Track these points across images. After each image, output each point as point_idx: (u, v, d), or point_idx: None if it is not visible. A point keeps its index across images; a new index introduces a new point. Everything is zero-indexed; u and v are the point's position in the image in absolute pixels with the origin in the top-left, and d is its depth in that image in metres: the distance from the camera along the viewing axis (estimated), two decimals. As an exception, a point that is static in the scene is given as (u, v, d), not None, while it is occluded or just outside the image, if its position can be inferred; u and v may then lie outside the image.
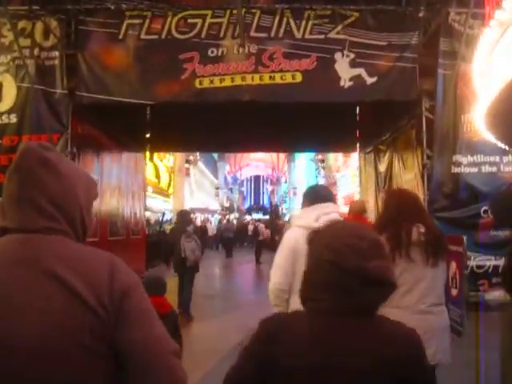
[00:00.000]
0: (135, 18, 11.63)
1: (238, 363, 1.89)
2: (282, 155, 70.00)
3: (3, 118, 11.37)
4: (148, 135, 16.90)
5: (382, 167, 15.31)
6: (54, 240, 1.63)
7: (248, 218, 61.54)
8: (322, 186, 6.49)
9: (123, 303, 1.58)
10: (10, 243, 1.61)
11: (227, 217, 51.99)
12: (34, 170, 1.64)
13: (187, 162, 38.91)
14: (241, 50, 11.51)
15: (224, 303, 13.88)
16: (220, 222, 42.80)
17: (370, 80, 11.41)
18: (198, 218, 42.45)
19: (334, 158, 39.67)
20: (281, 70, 11.46)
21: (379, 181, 15.63)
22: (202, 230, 30.58)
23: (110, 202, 14.27)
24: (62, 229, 1.67)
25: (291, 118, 13.37)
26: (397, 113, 12.70)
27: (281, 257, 4.13)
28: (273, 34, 11.61)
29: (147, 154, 19.23)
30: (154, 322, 1.64)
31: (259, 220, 44.55)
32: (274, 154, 74.93)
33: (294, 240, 4.02)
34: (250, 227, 36.28)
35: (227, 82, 11.46)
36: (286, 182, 75.76)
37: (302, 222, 4.21)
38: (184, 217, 12.33)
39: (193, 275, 11.22)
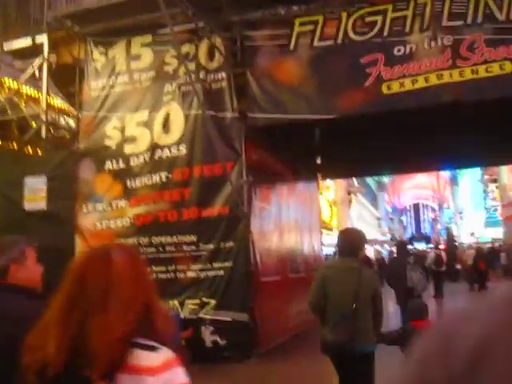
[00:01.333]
0: (306, 25, 10.12)
1: None
2: (444, 179, 66.11)
3: (172, 150, 10.28)
4: (319, 160, 15.34)
5: None
6: None
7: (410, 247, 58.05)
8: None
9: None
10: None
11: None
12: None
13: (349, 193, 37.20)
14: (433, 43, 9.51)
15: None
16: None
17: None
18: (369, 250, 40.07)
19: (509, 176, 36.02)
20: (485, 61, 9.30)
21: None
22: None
23: (289, 237, 12.75)
24: None
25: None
26: None
27: None
28: (469, 20, 9.48)
29: (319, 181, 17.57)
30: None
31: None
32: (434, 179, 71.07)
33: None
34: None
35: (421, 83, 9.48)
36: (448, 207, 71.32)
37: None
38: (403, 247, 12.34)
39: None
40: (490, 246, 29.16)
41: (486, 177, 46.27)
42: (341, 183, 35.85)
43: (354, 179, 40.47)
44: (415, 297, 9.86)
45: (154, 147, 10.41)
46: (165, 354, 1.66)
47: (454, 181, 60.46)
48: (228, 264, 9.82)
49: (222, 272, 9.82)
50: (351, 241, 5.24)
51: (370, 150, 13.74)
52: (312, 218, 15.55)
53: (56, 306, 1.72)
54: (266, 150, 11.43)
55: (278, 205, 12.14)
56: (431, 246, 55.14)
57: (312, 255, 14.93)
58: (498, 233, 42.13)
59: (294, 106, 9.94)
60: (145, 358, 1.62)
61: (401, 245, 12.86)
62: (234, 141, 10.08)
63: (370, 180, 60.25)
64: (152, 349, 1.66)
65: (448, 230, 29.34)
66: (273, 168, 12.12)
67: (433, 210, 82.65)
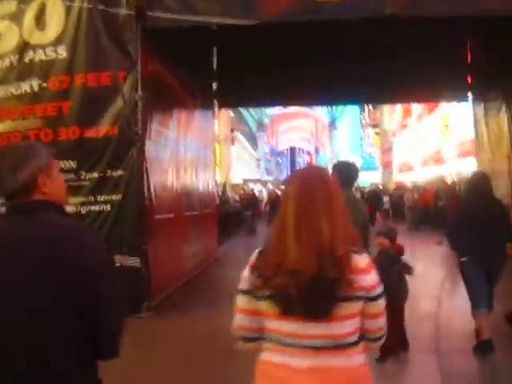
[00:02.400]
0: None
1: None
2: (322, 123, 66.29)
3: (48, 51, 7.97)
4: (215, 86, 13.48)
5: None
6: None
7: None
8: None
9: None
10: None
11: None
12: None
13: (232, 130, 35.55)
14: None
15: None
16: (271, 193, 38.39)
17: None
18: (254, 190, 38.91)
19: (389, 122, 36.09)
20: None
21: None
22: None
23: (185, 170, 10.92)
24: None
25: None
26: None
27: None
28: None
29: (215, 110, 15.56)
30: None
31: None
32: (312, 122, 71.28)
33: None
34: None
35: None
36: (324, 152, 72.02)
37: None
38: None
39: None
40: (370, 188, 28.98)
41: (364, 122, 46.56)
42: (225, 119, 34.08)
43: (235, 117, 38.97)
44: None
45: (23, 47, 8.04)
46: (367, 257, 2.00)
47: (332, 125, 60.70)
48: (116, 197, 7.87)
49: (108, 207, 7.86)
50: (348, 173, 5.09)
51: (271, 77, 12.34)
52: (207, 152, 13.77)
53: (288, 218, 1.94)
54: (164, 62, 9.39)
55: (176, 131, 10.23)
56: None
57: (207, 193, 13.23)
58: (373, 177, 42.71)
59: (206, 7, 7.96)
60: (358, 260, 1.94)
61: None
62: (127, 44, 7.96)
63: (249, 119, 59.05)
64: (359, 252, 1.97)
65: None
66: (171, 87, 10.13)
67: (309, 153, 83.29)
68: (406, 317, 5.68)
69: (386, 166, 36.19)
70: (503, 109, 11.90)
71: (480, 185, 6.07)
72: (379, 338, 2.09)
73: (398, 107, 36.05)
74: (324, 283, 1.84)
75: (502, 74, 11.08)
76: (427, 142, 29.94)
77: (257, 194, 33.37)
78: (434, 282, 10.36)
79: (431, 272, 11.63)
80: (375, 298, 1.97)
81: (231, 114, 35.13)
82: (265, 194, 35.89)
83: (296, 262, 1.86)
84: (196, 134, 12.03)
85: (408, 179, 33.00)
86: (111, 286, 1.87)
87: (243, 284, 2.04)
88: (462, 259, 5.92)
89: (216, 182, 16.05)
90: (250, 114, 57.30)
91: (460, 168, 24.36)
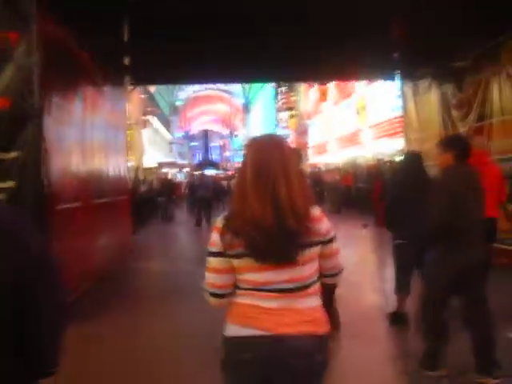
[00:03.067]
0: None
1: None
2: (236, 107, 65.60)
3: None
4: (127, 61, 12.08)
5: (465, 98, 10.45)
6: None
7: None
8: None
9: None
10: None
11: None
12: None
13: (145, 113, 33.90)
14: None
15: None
16: (190, 177, 36.42)
17: None
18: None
19: (305, 104, 35.60)
20: None
21: (453, 119, 10.83)
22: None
23: (93, 152, 9.54)
24: None
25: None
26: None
27: None
28: None
29: (127, 89, 14.10)
30: None
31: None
32: (226, 106, 70.26)
33: None
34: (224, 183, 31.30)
35: None
36: (237, 135, 71.45)
37: None
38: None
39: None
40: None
41: (278, 105, 45.92)
42: (137, 101, 32.43)
43: (147, 99, 37.31)
44: None
45: None
46: (319, 209, 2.25)
47: (246, 108, 60.01)
48: (9, 184, 6.48)
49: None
50: None
51: (189, 52, 11.18)
52: (119, 134, 12.41)
53: (247, 177, 2.13)
54: (67, 27, 7.97)
55: (82, 108, 8.86)
56: (220, 171, 54.40)
57: (118, 178, 11.89)
58: None
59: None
60: (313, 211, 2.18)
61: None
62: (20, 2, 6.59)
63: (162, 103, 57.31)
64: (312, 206, 2.21)
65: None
66: (76, 57, 8.69)
67: (222, 137, 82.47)
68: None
69: (302, 147, 35.74)
70: (434, 87, 11.33)
71: (416, 164, 5.95)
72: (335, 275, 2.42)
73: (313, 91, 35.67)
74: (287, 233, 2.05)
75: (431, 51, 10.46)
76: (343, 124, 29.62)
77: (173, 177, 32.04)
78: (367, 265, 9.70)
79: (361, 255, 11.00)
80: (330, 241, 2.26)
81: (142, 96, 33.54)
82: (181, 178, 34.65)
83: (258, 215, 2.05)
84: (106, 112, 10.68)
85: (324, 161, 32.73)
86: (48, 288, 1.72)
87: (214, 247, 2.18)
88: (396, 241, 5.85)
89: (128, 166, 14.69)
90: (162, 96, 55.65)
91: (378, 149, 24.11)
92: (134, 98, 32.38)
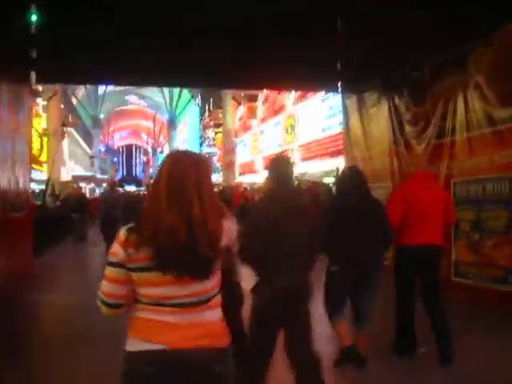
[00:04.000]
0: None
1: None
2: (160, 122, 63.56)
3: None
4: (35, 54, 9.99)
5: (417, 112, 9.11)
6: None
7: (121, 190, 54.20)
8: None
9: None
10: None
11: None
12: None
13: (63, 124, 31.53)
14: None
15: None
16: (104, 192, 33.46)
17: None
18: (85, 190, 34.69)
19: (233, 121, 34.22)
20: None
21: (406, 136, 9.44)
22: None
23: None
24: None
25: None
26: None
27: None
28: None
29: (33, 87, 11.93)
30: None
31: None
32: (150, 122, 68.09)
33: None
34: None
35: None
36: (162, 151, 69.28)
37: None
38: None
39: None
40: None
41: (205, 121, 44.50)
42: (55, 112, 30.16)
43: (66, 109, 34.91)
44: None
45: None
46: (232, 220, 2.23)
47: (171, 124, 58.16)
48: None
49: None
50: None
51: (107, 48, 9.33)
52: (18, 143, 10.37)
53: (161, 189, 2.04)
54: None
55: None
56: (142, 188, 52.19)
57: (15, 193, 9.89)
58: (214, 178, 40.85)
59: None
60: (224, 223, 2.12)
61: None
62: None
63: (84, 114, 54.85)
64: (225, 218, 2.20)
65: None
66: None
67: (146, 153, 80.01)
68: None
69: (229, 166, 34.25)
70: (383, 100, 10.02)
71: (354, 182, 5.18)
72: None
73: (241, 108, 34.42)
74: (199, 253, 1.99)
75: (380, 59, 9.13)
76: (271, 143, 28.43)
77: (89, 193, 29.50)
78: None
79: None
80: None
81: (62, 105, 31.28)
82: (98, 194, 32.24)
83: (172, 229, 1.98)
84: (2, 116, 8.76)
85: (251, 180, 31.43)
86: None
87: (114, 257, 2.08)
88: (331, 269, 5.09)
89: (30, 179, 12.63)
90: (84, 108, 53.23)
91: (308, 170, 22.97)
92: (52, 107, 30.14)
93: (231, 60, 9.80)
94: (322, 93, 21.33)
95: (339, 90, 11.58)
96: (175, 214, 1.99)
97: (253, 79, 11.72)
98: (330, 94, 20.68)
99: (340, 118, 20.10)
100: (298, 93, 23.86)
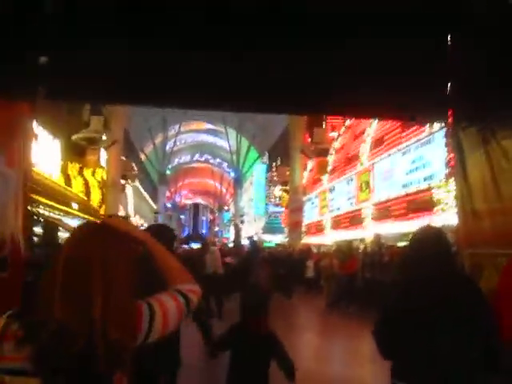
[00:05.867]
0: None
1: None
2: (227, 181, 61.79)
3: None
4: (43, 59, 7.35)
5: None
6: None
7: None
8: None
9: None
10: None
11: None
12: None
13: (124, 177, 29.59)
14: None
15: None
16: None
17: None
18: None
19: (300, 178, 31.42)
20: None
21: None
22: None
23: None
24: None
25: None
26: None
27: None
28: None
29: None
30: None
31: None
32: (216, 180, 66.46)
33: None
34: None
35: None
36: (228, 210, 67.29)
37: None
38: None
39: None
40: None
41: (271, 179, 42.04)
42: (114, 163, 28.29)
43: (132, 163, 33.14)
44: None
45: None
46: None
47: (238, 183, 56.15)
48: None
49: None
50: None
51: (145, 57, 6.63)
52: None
53: (57, 277, 1.64)
54: None
55: None
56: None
57: None
58: (276, 239, 38.41)
59: None
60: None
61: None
62: None
63: (151, 169, 53.79)
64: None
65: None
66: None
67: (212, 211, 78.42)
68: None
69: (295, 226, 31.18)
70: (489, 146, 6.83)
71: (435, 250, 3.00)
72: None
73: (310, 164, 31.66)
74: (98, 368, 1.58)
75: (493, 89, 6.03)
76: (342, 201, 25.37)
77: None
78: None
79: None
80: None
81: (123, 158, 29.45)
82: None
83: (65, 328, 1.56)
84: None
85: (320, 242, 28.28)
86: None
87: None
88: None
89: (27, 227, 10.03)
90: (150, 163, 52.11)
91: (382, 232, 19.67)
92: (112, 158, 28.33)
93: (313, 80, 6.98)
94: (401, 145, 18.37)
95: (448, 119, 8.49)
96: (72, 312, 1.56)
97: (340, 103, 8.81)
98: (412, 146, 17.75)
99: (423, 173, 17.49)
100: (372, 148, 20.94)
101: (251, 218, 50.23)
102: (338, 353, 9.22)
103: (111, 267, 1.61)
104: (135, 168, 33.83)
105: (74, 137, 22.44)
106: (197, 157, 63.55)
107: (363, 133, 22.89)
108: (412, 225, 17.55)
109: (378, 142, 20.99)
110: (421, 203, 17.22)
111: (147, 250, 1.82)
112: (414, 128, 17.53)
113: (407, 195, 18.21)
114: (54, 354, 1.51)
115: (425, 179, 16.90)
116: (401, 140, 18.82)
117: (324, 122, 28.41)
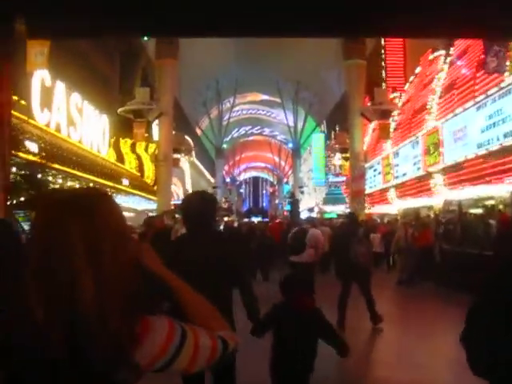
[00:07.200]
0: None
1: None
2: (285, 153, 59.88)
3: None
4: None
5: None
6: None
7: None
8: None
9: None
10: None
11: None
12: None
13: (176, 150, 27.95)
14: None
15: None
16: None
17: None
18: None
19: (361, 143, 29.12)
20: None
21: None
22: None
23: None
24: None
25: None
26: None
27: None
28: None
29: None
30: None
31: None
32: (274, 153, 64.64)
33: None
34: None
35: None
36: (287, 182, 65.48)
37: None
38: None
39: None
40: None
41: (330, 147, 39.79)
42: (166, 136, 26.87)
43: (187, 137, 31.63)
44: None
45: None
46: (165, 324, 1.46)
47: (296, 154, 54.15)
48: None
49: None
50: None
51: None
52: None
53: (29, 263, 1.21)
54: None
55: None
56: (267, 219, 48.37)
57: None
58: (337, 210, 36.52)
59: None
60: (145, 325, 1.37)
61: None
62: None
63: (208, 145, 52.54)
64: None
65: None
66: None
67: (272, 184, 76.83)
68: None
69: (357, 195, 29.06)
70: None
71: None
72: None
73: (371, 129, 29.41)
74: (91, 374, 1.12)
75: None
76: (408, 167, 23.08)
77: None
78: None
79: None
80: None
81: (174, 132, 27.88)
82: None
83: (39, 326, 1.12)
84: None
85: (384, 211, 26.16)
86: None
87: None
88: None
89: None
90: (207, 137, 50.83)
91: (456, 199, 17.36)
92: (162, 132, 26.88)
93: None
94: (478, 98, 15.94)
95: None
96: (48, 305, 1.10)
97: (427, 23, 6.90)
98: (489, 99, 15.30)
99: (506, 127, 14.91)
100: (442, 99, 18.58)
101: (311, 189, 48.31)
102: (416, 348, 7.26)
103: (99, 240, 1.15)
104: (191, 142, 32.38)
105: (120, 109, 21.08)
106: (253, 129, 61.81)
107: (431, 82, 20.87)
108: (489, 189, 15.36)
109: (448, 89, 18.70)
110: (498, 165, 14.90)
111: (178, 298, 1.32)
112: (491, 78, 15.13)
113: (483, 156, 15.83)
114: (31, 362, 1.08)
115: (505, 136, 14.49)
116: (474, 93, 16.43)
117: (384, 83, 27.34)
